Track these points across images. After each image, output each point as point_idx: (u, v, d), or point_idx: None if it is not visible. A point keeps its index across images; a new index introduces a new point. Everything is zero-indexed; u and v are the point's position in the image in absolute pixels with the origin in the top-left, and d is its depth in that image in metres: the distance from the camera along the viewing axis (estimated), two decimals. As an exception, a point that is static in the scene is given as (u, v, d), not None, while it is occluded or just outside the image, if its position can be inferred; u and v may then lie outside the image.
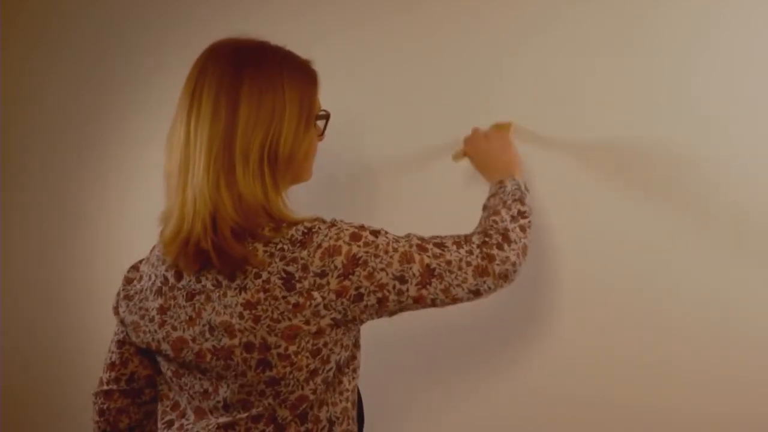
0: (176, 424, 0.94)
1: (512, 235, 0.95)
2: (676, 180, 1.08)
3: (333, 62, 1.33)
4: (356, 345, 0.93)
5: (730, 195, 1.04)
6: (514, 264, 0.93)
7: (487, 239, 0.92)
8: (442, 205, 1.29)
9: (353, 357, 0.92)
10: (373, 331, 1.02)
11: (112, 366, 0.99)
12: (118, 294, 0.98)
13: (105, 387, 0.99)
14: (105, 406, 0.99)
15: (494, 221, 0.98)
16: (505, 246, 0.93)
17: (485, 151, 1.15)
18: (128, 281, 0.97)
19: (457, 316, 1.23)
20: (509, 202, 1.02)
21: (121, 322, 0.97)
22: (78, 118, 1.85)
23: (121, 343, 0.99)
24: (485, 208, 1.05)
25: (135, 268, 0.99)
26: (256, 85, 0.85)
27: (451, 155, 1.23)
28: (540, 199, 1.18)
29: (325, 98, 0.94)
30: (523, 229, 0.98)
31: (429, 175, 1.31)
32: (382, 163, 1.35)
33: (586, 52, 1.16)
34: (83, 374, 1.77)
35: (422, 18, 1.31)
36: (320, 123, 0.95)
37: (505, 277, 0.92)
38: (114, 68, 1.79)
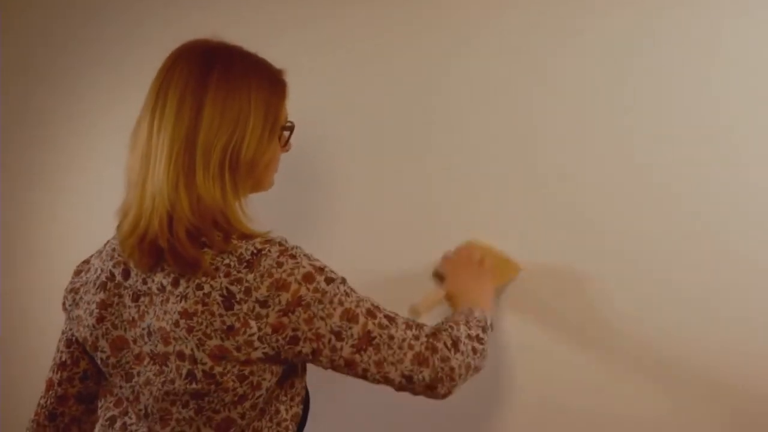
0: (119, 422, 0.92)
1: (462, 347, 0.90)
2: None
3: (281, 62, 1.32)
4: (296, 373, 0.91)
5: (698, 202, 1.04)
6: (452, 370, 0.88)
7: (437, 334, 0.89)
8: (397, 206, 1.29)
9: (291, 385, 0.90)
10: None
11: (63, 366, 0.97)
12: (67, 287, 0.97)
13: (59, 390, 0.97)
14: (58, 411, 0.97)
15: (450, 326, 0.93)
16: (452, 351, 0.88)
17: (465, 282, 1.09)
18: (76, 273, 0.97)
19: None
20: (472, 323, 0.96)
21: (69, 317, 0.95)
22: (29, 117, 1.87)
23: (69, 342, 0.97)
24: (445, 319, 0.97)
25: (86, 261, 0.98)
26: (222, 89, 0.84)
27: (432, 273, 1.18)
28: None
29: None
30: (474, 350, 0.93)
31: (382, 176, 1.31)
32: (329, 164, 1.35)
33: (532, 51, 1.16)
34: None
35: (372, 18, 1.31)
36: (285, 134, 0.94)
37: (440, 379, 0.87)
38: (65, 64, 1.80)
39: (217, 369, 0.81)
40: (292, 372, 0.90)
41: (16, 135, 1.93)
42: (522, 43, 1.18)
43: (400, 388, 0.87)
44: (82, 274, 0.95)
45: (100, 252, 0.96)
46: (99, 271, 0.91)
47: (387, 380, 0.85)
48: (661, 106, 1.06)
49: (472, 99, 1.22)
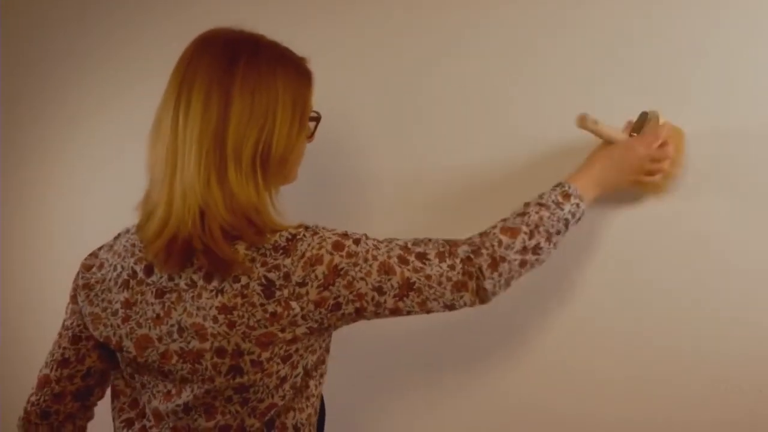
0: (137, 425, 0.90)
1: (503, 267, 0.86)
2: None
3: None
4: (326, 349, 0.91)
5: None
6: (486, 291, 0.87)
7: (473, 256, 0.86)
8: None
9: (322, 361, 0.90)
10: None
11: (64, 363, 0.93)
12: (76, 281, 0.93)
13: (56, 387, 0.93)
14: (52, 409, 0.94)
15: (499, 241, 0.87)
16: (488, 272, 0.86)
17: (623, 156, 0.97)
18: (87, 268, 0.92)
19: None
20: (542, 228, 0.89)
21: (79, 312, 0.92)
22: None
23: (77, 338, 0.93)
24: (526, 210, 0.91)
25: (93, 255, 0.94)
26: (249, 82, 0.81)
27: (646, 115, 1.01)
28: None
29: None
30: (523, 264, 0.89)
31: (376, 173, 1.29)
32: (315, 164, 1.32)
33: (519, 53, 1.15)
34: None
35: (362, 18, 1.30)
36: (311, 124, 0.92)
37: (481, 298, 0.87)
38: (59, 60, 1.77)
39: (265, 355, 0.80)
40: (325, 349, 0.90)
41: (12, 134, 1.89)
42: (510, 43, 1.17)
43: (443, 312, 0.88)
44: (94, 269, 0.91)
45: (110, 246, 0.92)
46: (119, 269, 0.88)
47: (430, 312, 0.86)
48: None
49: (460, 98, 1.21)
